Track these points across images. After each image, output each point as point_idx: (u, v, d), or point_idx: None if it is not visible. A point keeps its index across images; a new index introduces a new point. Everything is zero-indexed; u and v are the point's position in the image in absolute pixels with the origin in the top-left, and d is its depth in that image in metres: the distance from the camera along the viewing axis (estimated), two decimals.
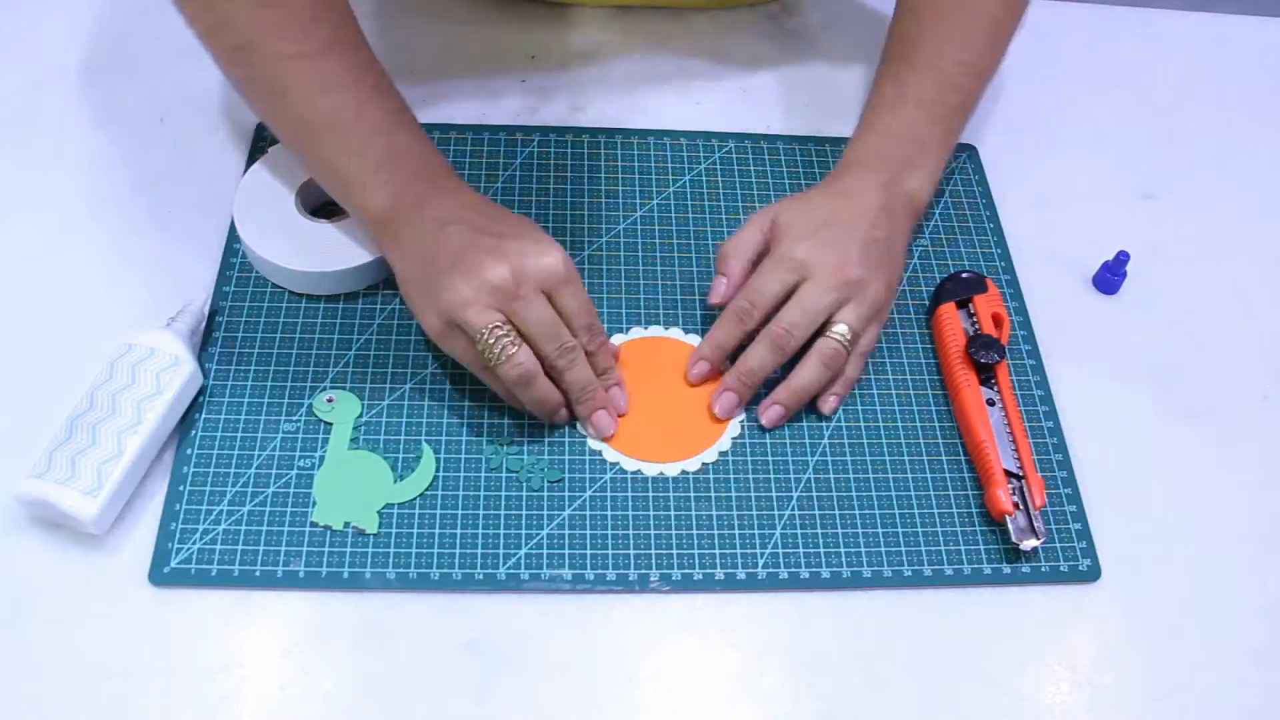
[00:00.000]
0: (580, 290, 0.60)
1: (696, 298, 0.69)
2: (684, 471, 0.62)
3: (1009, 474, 0.61)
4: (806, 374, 0.63)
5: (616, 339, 0.66)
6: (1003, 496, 0.60)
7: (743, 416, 0.64)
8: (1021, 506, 0.60)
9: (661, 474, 0.61)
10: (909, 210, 0.67)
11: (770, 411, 0.63)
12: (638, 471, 0.62)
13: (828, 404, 0.64)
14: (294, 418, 0.62)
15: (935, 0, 0.71)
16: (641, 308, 0.68)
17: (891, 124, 0.69)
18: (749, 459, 0.63)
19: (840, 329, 0.62)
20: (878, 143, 0.69)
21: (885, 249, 0.64)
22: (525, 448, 0.62)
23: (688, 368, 0.65)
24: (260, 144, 0.74)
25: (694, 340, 0.67)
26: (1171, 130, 0.83)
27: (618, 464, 0.62)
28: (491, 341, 0.57)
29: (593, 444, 0.62)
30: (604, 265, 0.70)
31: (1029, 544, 0.59)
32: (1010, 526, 0.60)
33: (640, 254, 0.71)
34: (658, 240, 0.71)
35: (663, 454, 0.62)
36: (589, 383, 0.61)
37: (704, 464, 0.62)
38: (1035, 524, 0.60)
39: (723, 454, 0.63)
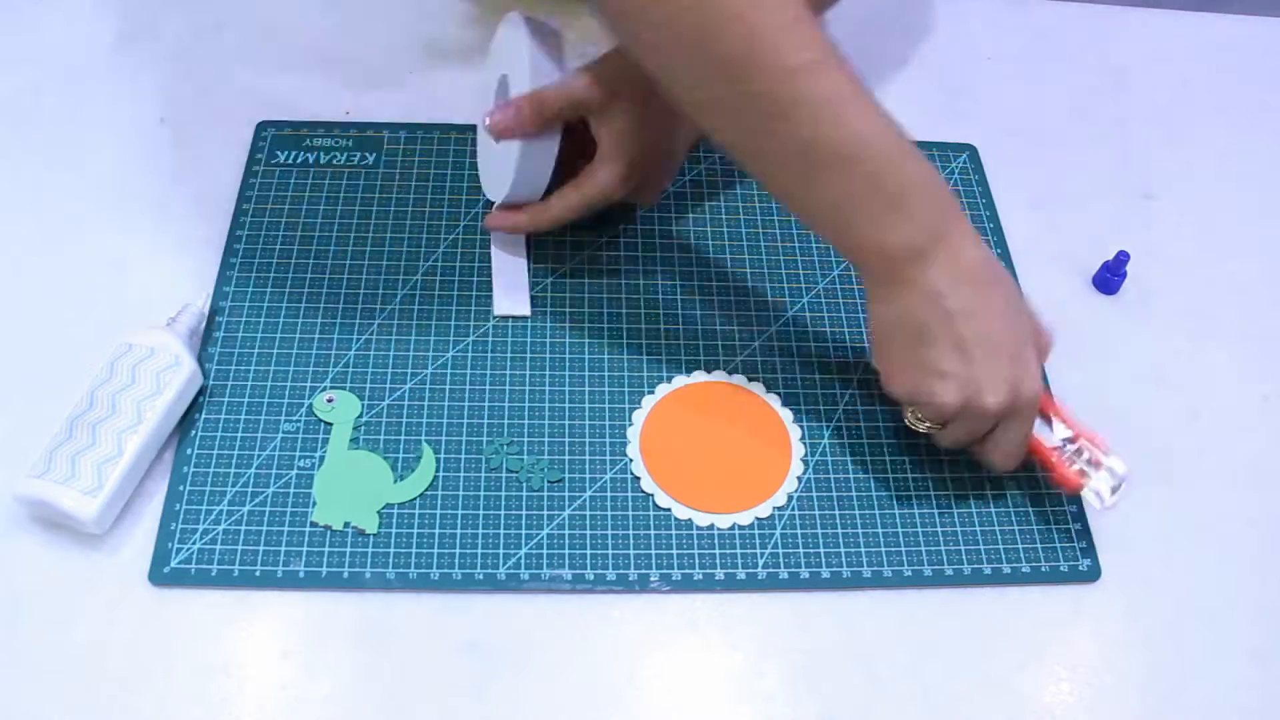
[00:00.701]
0: (1026, 426, 0.58)
1: (696, 297, 0.69)
2: (735, 525, 0.60)
3: (1062, 446, 0.60)
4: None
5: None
6: (1068, 474, 0.59)
7: (801, 470, 0.63)
8: (1089, 470, 0.60)
9: (712, 525, 0.60)
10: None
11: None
12: (688, 520, 0.60)
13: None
14: (294, 418, 0.62)
15: None
16: (642, 307, 0.68)
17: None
18: (800, 514, 0.61)
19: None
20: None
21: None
22: (525, 448, 0.62)
23: None
24: (260, 144, 0.74)
25: (754, 388, 0.65)
26: (1171, 130, 0.83)
27: (668, 510, 0.60)
28: (929, 430, 0.59)
29: (645, 487, 0.61)
30: (603, 265, 0.70)
31: (1117, 483, 0.59)
32: (1091, 495, 0.59)
33: (640, 254, 0.71)
34: (658, 240, 0.71)
35: (716, 505, 0.61)
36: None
37: (757, 519, 0.61)
38: (1112, 472, 0.60)
39: (778, 509, 0.61)
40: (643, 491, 0.61)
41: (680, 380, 0.65)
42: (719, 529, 0.60)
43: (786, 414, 0.64)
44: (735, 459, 0.63)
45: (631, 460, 0.62)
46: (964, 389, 0.55)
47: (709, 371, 0.66)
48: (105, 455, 0.57)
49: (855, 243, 0.55)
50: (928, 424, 0.59)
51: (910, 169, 0.53)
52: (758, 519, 0.61)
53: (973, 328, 0.54)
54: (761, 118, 0.51)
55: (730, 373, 0.66)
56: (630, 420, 0.63)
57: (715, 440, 0.63)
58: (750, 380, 0.66)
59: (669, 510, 0.60)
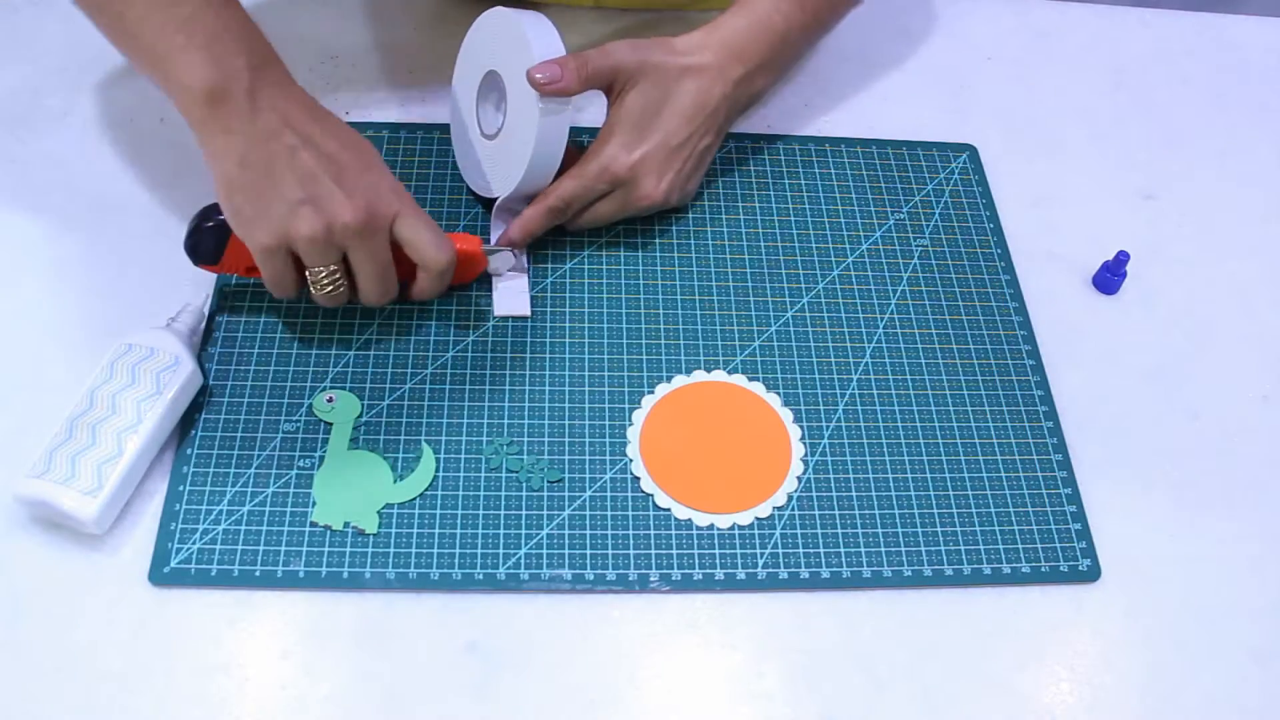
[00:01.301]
0: (419, 217, 0.60)
1: (696, 297, 0.69)
2: (735, 525, 0.60)
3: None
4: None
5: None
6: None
7: (801, 470, 0.63)
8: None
9: (712, 525, 0.60)
10: (744, 107, 0.72)
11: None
12: (688, 520, 0.60)
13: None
14: (294, 418, 0.62)
15: None
16: (642, 307, 0.68)
17: (763, 13, 0.70)
18: (800, 514, 0.61)
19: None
20: (743, 29, 0.70)
21: (702, 161, 0.69)
22: (525, 448, 0.62)
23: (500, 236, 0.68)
24: None
25: (754, 388, 0.66)
26: (1171, 130, 0.83)
27: (668, 510, 0.60)
28: (325, 281, 0.59)
29: (645, 487, 0.61)
30: (603, 265, 0.70)
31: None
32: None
33: (640, 254, 0.71)
34: (658, 241, 0.71)
35: (715, 505, 0.61)
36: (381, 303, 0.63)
37: (757, 519, 0.61)
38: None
39: (778, 509, 0.61)
40: (643, 491, 0.61)
41: (680, 380, 0.65)
42: (719, 529, 0.60)
43: (786, 414, 0.64)
44: (735, 459, 0.63)
45: (631, 460, 0.62)
46: (319, 213, 0.56)
47: (709, 371, 0.66)
48: (105, 455, 0.57)
49: (176, 81, 0.57)
50: (324, 277, 0.59)
51: (226, 15, 0.57)
52: (758, 519, 0.61)
53: (314, 154, 0.57)
54: None
55: (730, 373, 0.66)
56: (630, 420, 0.63)
57: (715, 440, 0.63)
58: (750, 380, 0.66)
59: (669, 510, 0.60)
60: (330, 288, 0.60)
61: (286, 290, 0.60)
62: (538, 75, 0.63)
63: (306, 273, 0.59)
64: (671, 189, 0.68)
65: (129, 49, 0.59)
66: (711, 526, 0.60)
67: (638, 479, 0.61)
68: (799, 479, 0.62)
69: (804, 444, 0.63)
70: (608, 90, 0.67)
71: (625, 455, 0.62)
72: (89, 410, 0.58)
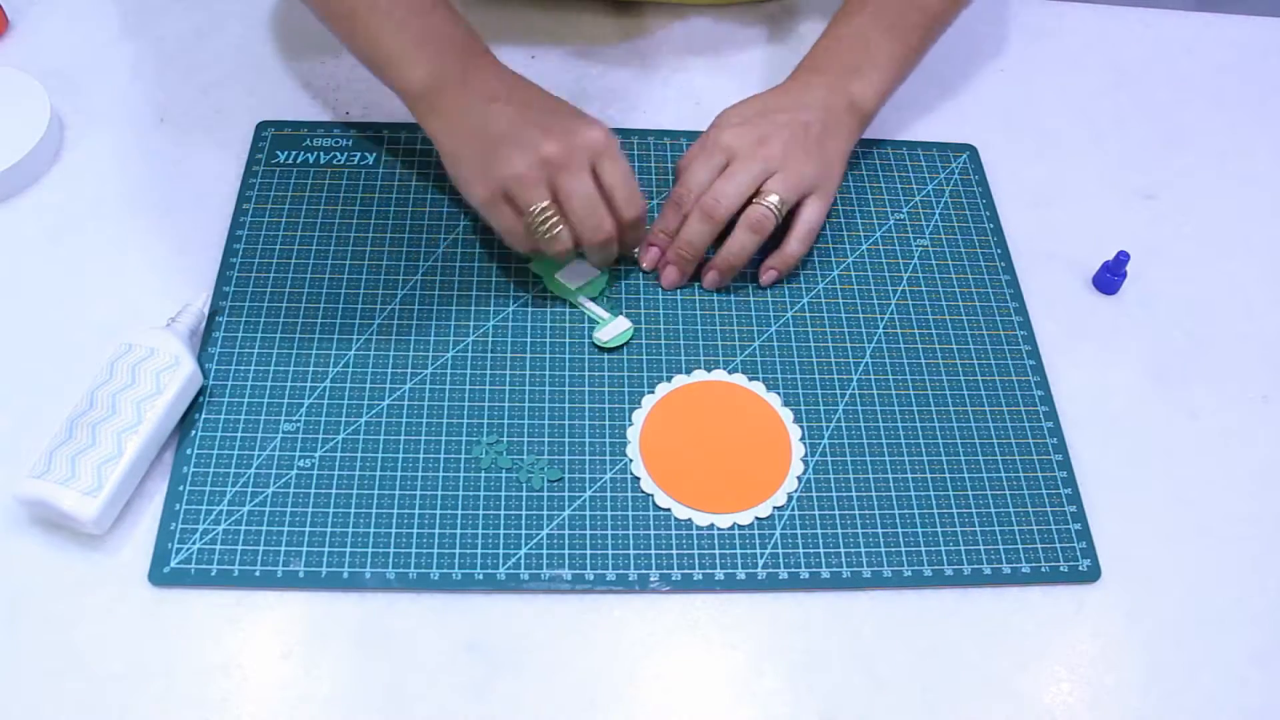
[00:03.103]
0: (620, 163, 0.63)
1: (696, 297, 0.69)
2: (735, 525, 0.60)
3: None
4: (735, 239, 0.66)
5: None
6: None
7: (801, 470, 0.63)
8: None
9: (712, 525, 0.60)
10: (851, 110, 0.70)
11: (707, 277, 0.68)
12: (688, 520, 0.60)
13: (765, 277, 0.69)
14: (294, 418, 0.62)
15: None
16: (641, 308, 0.68)
17: (843, 33, 0.72)
18: (800, 514, 0.61)
19: (770, 199, 0.66)
20: (825, 50, 0.72)
21: (817, 139, 0.68)
22: (525, 448, 0.62)
23: (640, 255, 0.69)
24: (260, 144, 0.74)
25: (754, 387, 0.65)
26: (1171, 130, 0.83)
27: (668, 510, 0.60)
28: (540, 219, 0.62)
29: (645, 487, 0.61)
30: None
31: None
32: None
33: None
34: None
35: (716, 504, 0.61)
36: (606, 262, 0.68)
37: (757, 519, 0.61)
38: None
39: (778, 509, 0.61)
40: (643, 491, 0.61)
41: (680, 380, 0.65)
42: (719, 529, 0.60)
43: (787, 414, 0.64)
44: (735, 459, 0.63)
45: (631, 460, 0.62)
46: (522, 151, 0.61)
47: (709, 371, 0.66)
48: (105, 456, 0.57)
49: (398, 81, 0.65)
50: (538, 216, 0.62)
51: (435, 20, 0.64)
52: (758, 519, 0.61)
53: (515, 108, 0.63)
54: None
55: (730, 372, 0.66)
56: (630, 420, 0.63)
57: (715, 440, 0.63)
58: (750, 380, 0.66)
59: (669, 510, 0.60)
60: (546, 228, 0.62)
61: (518, 241, 0.64)
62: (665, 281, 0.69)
63: (524, 217, 0.62)
64: (786, 153, 0.67)
65: (359, 57, 0.66)
66: (711, 526, 0.60)
67: (638, 479, 0.61)
68: (799, 479, 0.62)
69: (804, 444, 0.63)
70: None
71: (625, 455, 0.62)
72: (89, 410, 0.58)
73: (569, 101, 0.66)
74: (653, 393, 0.65)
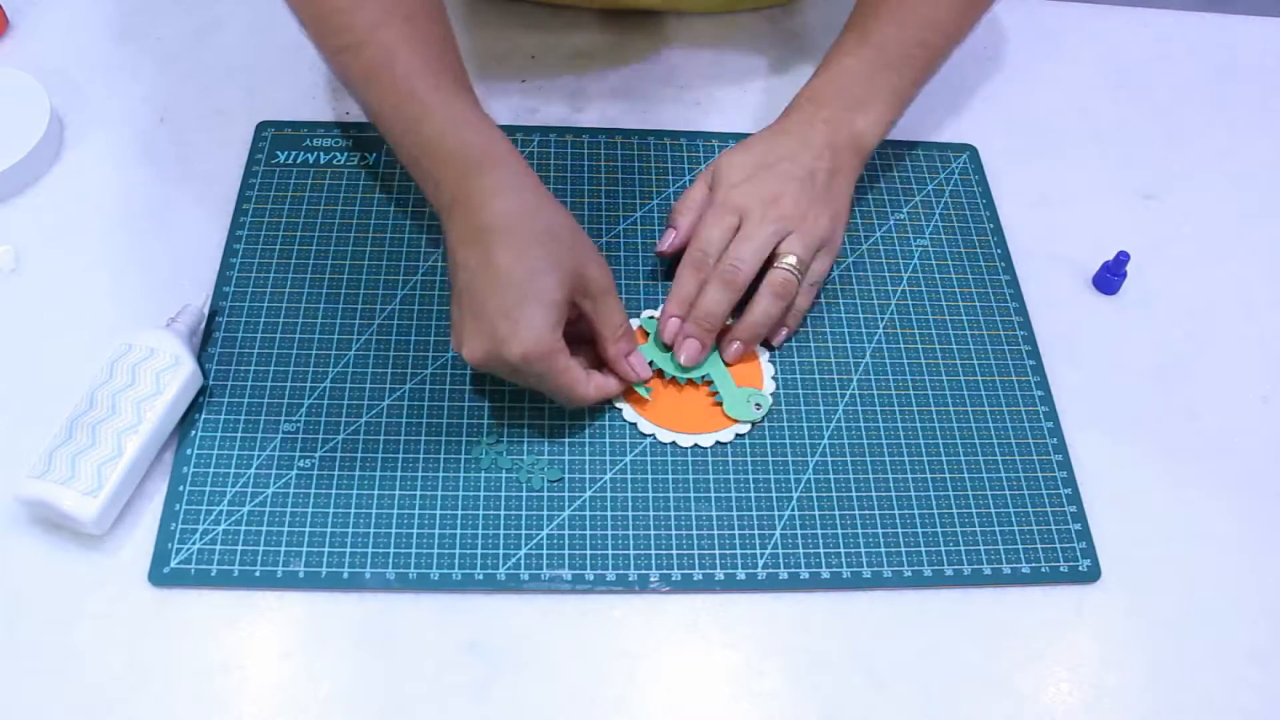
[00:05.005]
0: (553, 377, 0.58)
1: None
2: (718, 442, 0.62)
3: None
4: (759, 306, 0.64)
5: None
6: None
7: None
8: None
9: (696, 445, 0.62)
10: (854, 148, 0.68)
11: (730, 349, 0.65)
12: (673, 442, 0.62)
13: (778, 337, 0.66)
14: (294, 418, 0.62)
15: None
16: (642, 308, 0.68)
17: (847, 65, 0.69)
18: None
19: (789, 260, 0.64)
20: (828, 82, 0.69)
21: (825, 185, 0.66)
22: (525, 448, 0.62)
23: (659, 328, 0.65)
24: (260, 144, 0.74)
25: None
26: (1171, 130, 0.83)
27: (652, 434, 0.62)
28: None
29: (628, 415, 0.63)
30: None
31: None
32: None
33: (640, 254, 0.71)
34: (657, 240, 0.71)
35: (696, 426, 0.63)
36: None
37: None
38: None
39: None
40: (624, 420, 0.63)
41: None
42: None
43: (762, 354, 0.66)
44: (708, 393, 0.65)
45: (622, 409, 0.64)
46: (455, 342, 0.58)
47: None
48: (105, 456, 0.57)
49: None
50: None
51: (428, 135, 0.59)
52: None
53: (463, 280, 0.57)
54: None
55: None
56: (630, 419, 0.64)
57: (695, 389, 0.65)
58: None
59: (651, 435, 0.62)
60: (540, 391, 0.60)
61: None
62: (660, 248, 0.67)
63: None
64: (798, 209, 0.64)
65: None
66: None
67: (619, 410, 0.63)
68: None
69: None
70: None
71: (622, 419, 0.63)
72: (89, 410, 0.58)
73: (557, 237, 0.58)
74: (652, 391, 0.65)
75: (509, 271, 0.56)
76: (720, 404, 0.64)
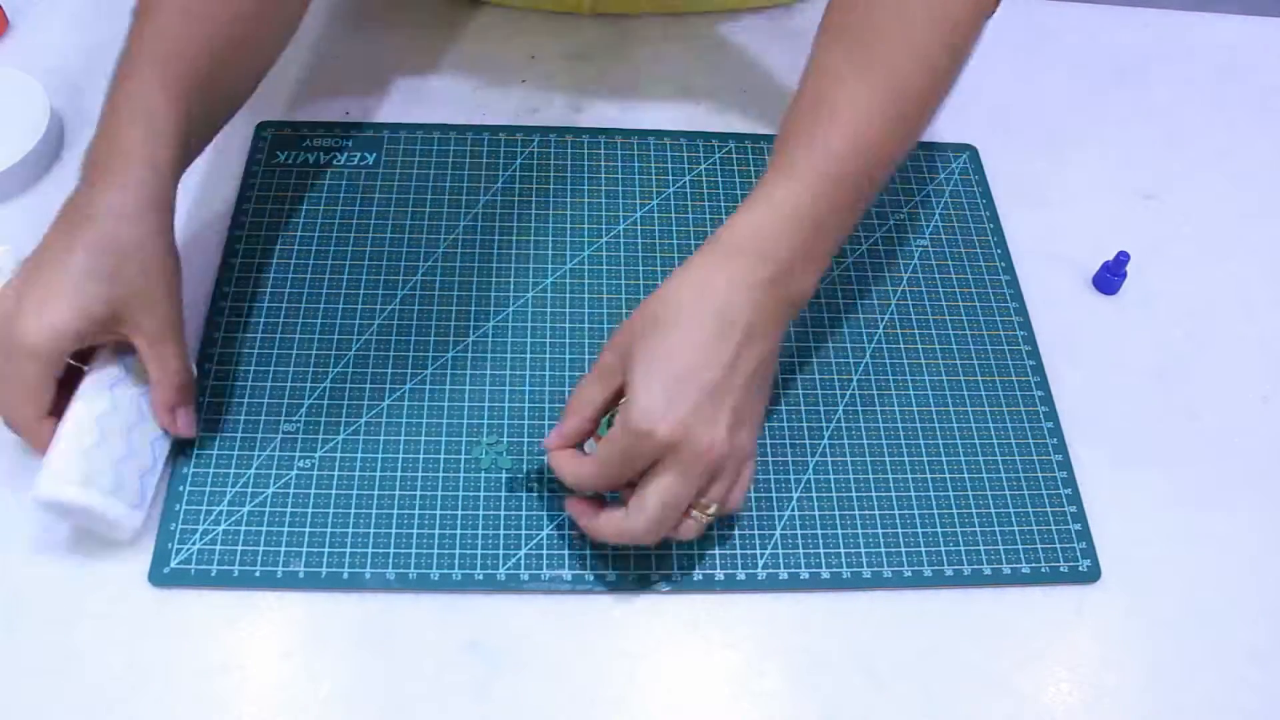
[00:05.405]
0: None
1: None
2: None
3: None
4: (642, 529, 0.53)
5: None
6: None
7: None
8: None
9: (713, 526, 0.59)
10: (790, 308, 0.56)
11: (582, 522, 0.56)
12: None
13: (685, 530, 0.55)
14: (294, 418, 0.62)
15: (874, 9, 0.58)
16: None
17: (783, 202, 0.55)
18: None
19: (710, 510, 0.54)
20: (760, 230, 0.55)
21: (755, 390, 0.54)
22: (525, 447, 0.62)
23: (551, 438, 0.56)
24: (260, 144, 0.74)
25: None
26: (1171, 130, 0.83)
27: None
28: None
29: None
30: (603, 266, 0.70)
31: None
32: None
33: (640, 254, 0.71)
34: (657, 241, 0.71)
35: None
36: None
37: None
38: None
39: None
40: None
41: None
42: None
43: None
44: None
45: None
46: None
47: None
48: (144, 466, 0.57)
49: None
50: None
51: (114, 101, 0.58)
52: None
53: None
54: None
55: None
56: None
57: None
58: None
59: None
60: None
61: None
62: (545, 444, 0.57)
63: None
64: (727, 444, 0.52)
65: None
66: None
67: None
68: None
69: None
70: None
71: None
72: (112, 411, 0.56)
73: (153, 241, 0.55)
74: None
75: (58, 257, 0.54)
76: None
